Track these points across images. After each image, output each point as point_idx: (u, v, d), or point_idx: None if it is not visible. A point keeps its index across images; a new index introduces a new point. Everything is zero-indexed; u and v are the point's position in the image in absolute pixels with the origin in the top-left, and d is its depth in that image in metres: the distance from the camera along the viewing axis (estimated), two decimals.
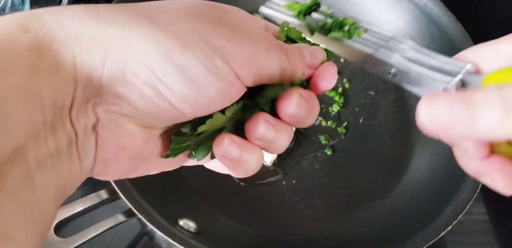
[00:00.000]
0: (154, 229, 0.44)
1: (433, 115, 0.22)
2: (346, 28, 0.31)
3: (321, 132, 0.61)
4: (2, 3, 0.56)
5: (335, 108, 0.63)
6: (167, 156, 0.26)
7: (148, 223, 0.45)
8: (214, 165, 0.29)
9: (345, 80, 0.66)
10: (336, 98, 0.64)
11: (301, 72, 0.27)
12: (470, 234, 0.58)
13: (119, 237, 0.53)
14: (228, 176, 0.57)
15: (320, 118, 0.63)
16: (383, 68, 0.28)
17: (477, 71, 0.25)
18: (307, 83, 0.29)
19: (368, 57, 0.29)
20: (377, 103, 0.65)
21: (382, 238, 0.51)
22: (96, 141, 0.23)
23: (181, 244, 0.44)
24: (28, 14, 0.20)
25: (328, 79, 0.28)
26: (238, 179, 0.56)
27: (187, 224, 0.49)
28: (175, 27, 0.23)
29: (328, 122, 0.62)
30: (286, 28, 0.30)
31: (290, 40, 0.30)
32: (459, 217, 0.48)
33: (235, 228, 0.52)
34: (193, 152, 0.27)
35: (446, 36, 0.62)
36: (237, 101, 0.26)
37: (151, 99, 0.22)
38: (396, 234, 0.50)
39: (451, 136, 0.22)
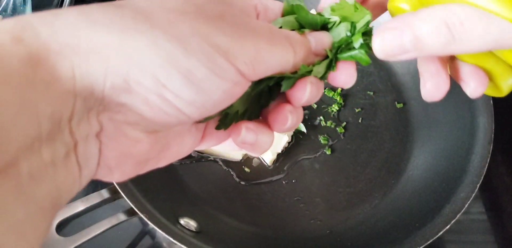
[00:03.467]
0: (155, 228, 0.45)
1: (385, 48, 0.25)
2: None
3: (321, 132, 0.62)
4: (3, 3, 0.56)
5: (334, 108, 0.64)
6: (201, 121, 0.27)
7: (149, 222, 0.45)
8: (228, 146, 0.30)
9: None
10: (336, 98, 0.65)
11: (307, 62, 0.27)
12: (469, 233, 0.58)
13: (120, 236, 0.53)
14: (228, 176, 0.57)
15: (320, 118, 0.63)
16: None
17: None
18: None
19: None
20: (376, 103, 0.65)
21: (381, 237, 0.51)
22: (100, 149, 0.22)
23: (181, 243, 0.44)
24: (19, 24, 0.19)
25: (347, 76, 0.29)
26: (238, 178, 0.57)
27: (188, 223, 0.49)
28: (175, 29, 0.22)
29: (328, 122, 0.62)
30: (290, 8, 0.29)
31: (297, 21, 0.29)
32: (458, 216, 0.48)
33: (235, 227, 0.53)
34: (220, 124, 0.28)
35: None
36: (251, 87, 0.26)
37: (157, 106, 0.22)
38: (395, 233, 0.50)
39: (402, 59, 0.25)
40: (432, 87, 0.28)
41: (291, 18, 0.29)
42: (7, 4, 0.55)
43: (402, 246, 0.48)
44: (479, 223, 0.59)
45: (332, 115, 0.63)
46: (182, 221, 0.49)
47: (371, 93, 0.66)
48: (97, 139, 0.22)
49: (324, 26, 0.29)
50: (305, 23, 0.29)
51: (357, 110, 0.64)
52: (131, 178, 0.25)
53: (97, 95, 0.20)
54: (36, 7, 0.59)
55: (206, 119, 0.27)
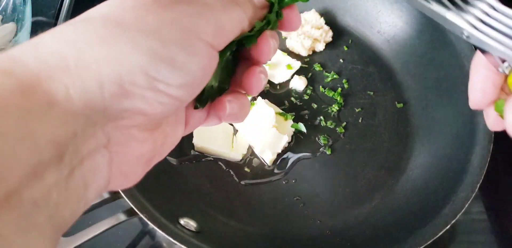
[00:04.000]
0: (155, 228, 0.45)
1: None
2: None
3: (321, 131, 0.62)
4: (3, 3, 0.56)
5: (334, 108, 0.64)
6: (197, 107, 0.29)
7: (149, 222, 0.45)
8: (211, 122, 0.31)
9: (344, 80, 0.67)
10: (336, 98, 0.65)
11: (257, 17, 0.29)
12: (469, 234, 0.58)
13: (120, 236, 0.53)
14: (228, 176, 0.57)
15: (320, 118, 0.63)
16: (456, 29, 0.28)
17: None
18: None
19: (441, 17, 0.28)
20: (376, 103, 0.65)
21: (381, 237, 0.51)
22: (111, 159, 0.23)
23: (181, 243, 0.44)
24: (5, 58, 0.20)
25: (293, 18, 0.30)
26: (238, 178, 0.57)
27: (188, 223, 0.49)
28: (145, 24, 0.23)
29: (328, 122, 0.62)
30: None
31: None
32: (458, 216, 0.48)
33: (235, 227, 0.53)
34: (197, 104, 0.29)
35: (445, 37, 0.63)
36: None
37: (154, 99, 0.23)
38: (395, 233, 0.50)
39: None
40: (495, 120, 0.32)
41: None
42: (7, 4, 0.56)
43: (402, 246, 0.48)
44: (479, 223, 0.59)
45: (332, 115, 0.63)
46: (182, 221, 0.49)
47: (371, 93, 0.66)
48: (106, 151, 0.23)
49: None
50: None
51: (357, 110, 0.64)
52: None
53: (99, 108, 0.21)
54: (36, 7, 0.59)
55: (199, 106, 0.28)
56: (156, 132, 0.25)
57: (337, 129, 0.62)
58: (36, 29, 0.61)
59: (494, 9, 0.27)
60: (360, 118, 0.64)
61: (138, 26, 0.22)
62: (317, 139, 0.61)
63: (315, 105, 0.64)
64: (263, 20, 0.29)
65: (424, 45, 0.66)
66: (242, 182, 0.57)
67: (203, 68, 0.24)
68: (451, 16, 0.28)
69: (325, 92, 0.65)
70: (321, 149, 0.60)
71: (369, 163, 0.60)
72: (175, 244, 0.45)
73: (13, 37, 0.55)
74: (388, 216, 0.54)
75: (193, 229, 0.49)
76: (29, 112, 0.19)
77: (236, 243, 0.51)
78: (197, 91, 0.26)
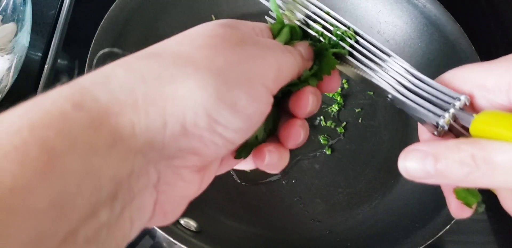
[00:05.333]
0: (155, 228, 0.45)
1: (409, 170, 0.26)
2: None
3: (321, 132, 0.62)
4: (3, 3, 0.56)
5: (334, 108, 0.64)
6: (237, 157, 0.29)
7: None
8: (240, 165, 0.31)
9: (344, 80, 0.67)
10: (336, 98, 0.65)
11: (304, 67, 0.29)
12: (469, 233, 0.58)
13: None
14: (228, 176, 0.57)
15: (320, 118, 0.63)
16: (381, 92, 0.30)
17: (471, 100, 0.27)
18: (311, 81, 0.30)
19: (366, 81, 0.30)
20: (376, 103, 0.65)
21: (381, 237, 0.51)
22: (157, 199, 0.23)
23: (182, 243, 0.44)
24: (77, 90, 0.19)
25: (333, 83, 0.31)
26: (239, 178, 0.57)
27: (188, 223, 0.49)
28: (214, 64, 0.22)
29: (328, 122, 0.62)
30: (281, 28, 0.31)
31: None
32: None
33: (235, 227, 0.53)
34: (239, 154, 0.29)
35: (445, 37, 0.63)
36: None
37: (210, 141, 0.22)
38: (395, 233, 0.50)
39: (427, 183, 0.26)
40: (457, 208, 0.29)
41: (285, 34, 0.31)
42: (7, 4, 0.55)
43: (402, 246, 0.48)
44: (480, 223, 0.59)
45: (332, 115, 0.63)
46: (182, 221, 0.49)
47: (371, 93, 0.66)
48: (154, 190, 0.22)
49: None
50: (295, 36, 0.32)
51: (357, 110, 0.64)
52: None
53: (157, 147, 0.21)
54: (36, 8, 0.59)
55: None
56: (203, 172, 0.25)
57: (337, 128, 0.62)
58: (36, 30, 0.61)
59: (412, 75, 0.29)
60: (360, 118, 0.64)
61: (207, 66, 0.22)
62: (317, 139, 0.61)
63: None
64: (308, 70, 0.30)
65: (424, 45, 0.66)
66: (243, 183, 0.57)
67: (260, 114, 0.24)
68: (377, 80, 0.29)
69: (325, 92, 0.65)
70: (321, 149, 0.60)
71: (369, 163, 0.60)
72: (175, 244, 0.45)
73: (13, 37, 0.55)
74: (388, 216, 0.54)
75: (193, 229, 0.49)
76: (96, 149, 0.18)
77: (236, 243, 0.51)
78: (249, 135, 0.25)
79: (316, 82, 0.30)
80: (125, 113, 0.20)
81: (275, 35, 0.31)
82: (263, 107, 0.24)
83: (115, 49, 0.55)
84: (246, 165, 0.31)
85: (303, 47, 0.30)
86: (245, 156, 0.29)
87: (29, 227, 0.16)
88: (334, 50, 0.30)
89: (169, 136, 0.21)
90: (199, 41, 0.24)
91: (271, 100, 0.25)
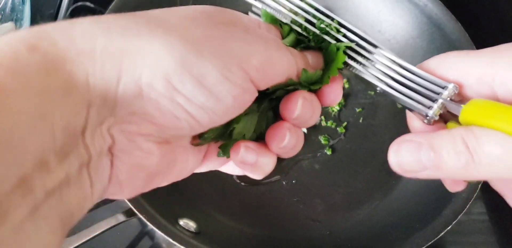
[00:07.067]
0: (154, 228, 0.45)
1: (401, 162, 0.24)
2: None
3: (321, 132, 0.62)
4: (2, 3, 0.56)
5: (335, 108, 0.63)
6: (198, 144, 0.26)
7: (148, 223, 0.45)
8: (229, 168, 0.30)
9: (345, 80, 0.66)
10: None
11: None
12: (470, 234, 0.58)
13: (120, 237, 0.53)
14: (228, 176, 0.57)
15: (320, 118, 0.63)
16: (370, 85, 0.29)
17: (460, 89, 0.26)
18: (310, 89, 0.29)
19: (356, 75, 0.30)
20: (376, 103, 0.65)
21: (381, 238, 0.51)
22: (112, 163, 0.22)
23: (181, 243, 0.44)
24: (36, 33, 0.19)
25: (335, 92, 0.29)
26: (238, 179, 0.57)
27: (187, 224, 0.49)
28: (189, 33, 0.21)
29: (328, 122, 0.62)
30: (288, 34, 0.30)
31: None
32: (459, 217, 0.48)
33: (235, 228, 0.53)
34: (222, 152, 0.27)
35: (446, 36, 0.62)
36: (256, 106, 0.26)
37: (169, 111, 0.21)
38: (396, 234, 0.50)
39: (419, 177, 0.24)
40: (451, 183, 0.28)
41: (291, 37, 0.30)
42: (5, 3, 0.55)
43: (402, 247, 0.47)
44: (480, 224, 0.58)
45: (332, 115, 0.63)
46: (181, 222, 0.48)
47: (372, 93, 0.66)
48: (109, 153, 0.22)
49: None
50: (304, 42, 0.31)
51: (358, 110, 0.64)
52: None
53: (110, 102, 0.20)
54: (35, 7, 0.59)
55: (205, 140, 0.27)
56: (164, 147, 0.24)
57: (338, 128, 0.62)
58: None
59: (400, 65, 0.28)
60: (361, 118, 0.63)
61: (180, 33, 0.21)
62: (317, 139, 0.61)
63: None
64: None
65: (425, 44, 0.66)
66: (242, 183, 0.56)
67: (233, 98, 0.23)
68: (364, 73, 0.29)
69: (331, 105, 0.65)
70: (321, 149, 0.60)
71: (370, 164, 0.59)
72: (175, 245, 0.45)
73: None
74: (388, 216, 0.54)
75: (192, 229, 0.49)
76: (49, 93, 0.18)
77: (235, 243, 0.51)
78: (220, 120, 0.24)
79: (319, 86, 0.29)
80: (81, 61, 0.19)
81: (284, 37, 0.30)
82: (237, 91, 0.22)
83: None
84: (231, 168, 0.29)
85: (312, 54, 0.29)
86: (228, 155, 0.27)
87: None
88: (343, 44, 0.29)
89: (122, 92, 0.20)
90: (182, 13, 0.23)
91: (251, 89, 0.24)
